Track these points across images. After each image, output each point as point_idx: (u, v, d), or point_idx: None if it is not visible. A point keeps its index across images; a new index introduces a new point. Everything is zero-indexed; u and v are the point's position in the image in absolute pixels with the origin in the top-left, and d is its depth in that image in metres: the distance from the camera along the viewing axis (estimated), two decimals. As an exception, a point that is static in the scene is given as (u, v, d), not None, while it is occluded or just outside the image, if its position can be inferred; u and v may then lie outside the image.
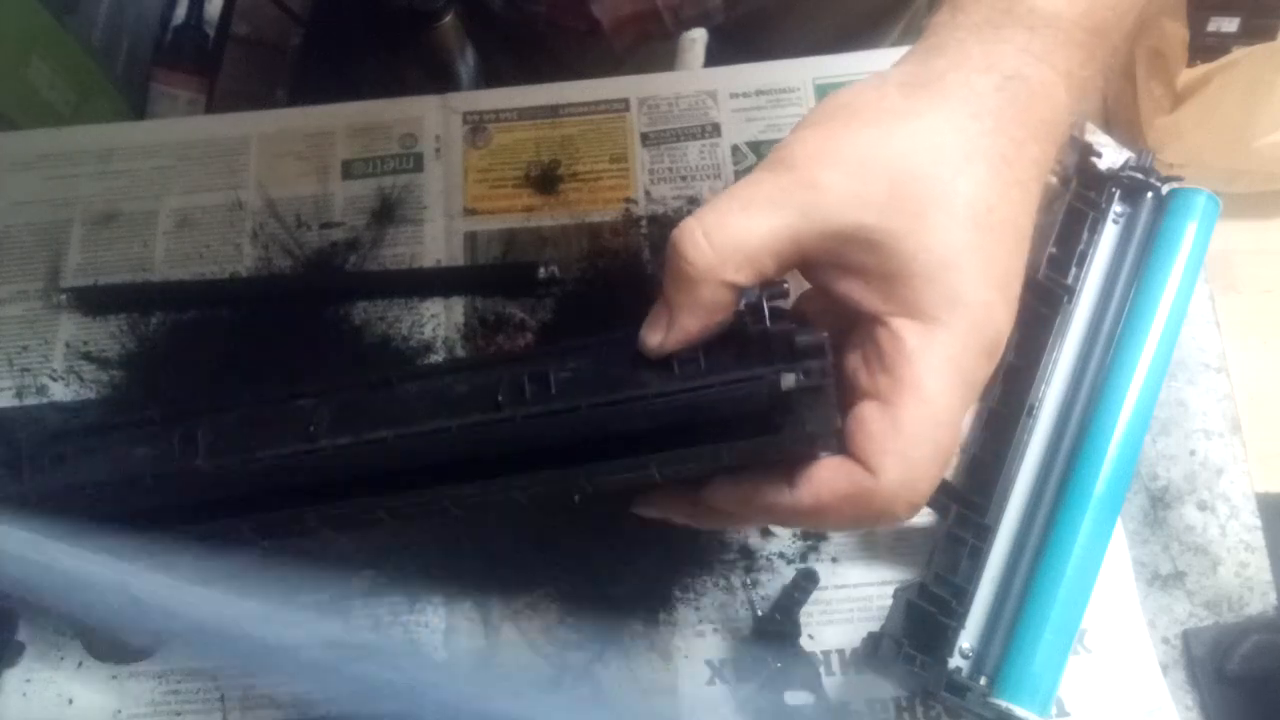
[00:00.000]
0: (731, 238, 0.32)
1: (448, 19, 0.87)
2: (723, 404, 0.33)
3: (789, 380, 0.32)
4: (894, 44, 0.87)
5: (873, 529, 0.33)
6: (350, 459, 0.34)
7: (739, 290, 0.34)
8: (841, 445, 0.33)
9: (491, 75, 0.94)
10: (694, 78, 0.73)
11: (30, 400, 0.63)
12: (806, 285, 0.37)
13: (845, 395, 0.34)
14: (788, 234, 0.32)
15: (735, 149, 0.70)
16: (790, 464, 0.34)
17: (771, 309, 0.34)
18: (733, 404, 0.33)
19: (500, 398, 0.34)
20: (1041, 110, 0.34)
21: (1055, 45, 0.35)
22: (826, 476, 0.33)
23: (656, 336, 0.34)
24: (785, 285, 0.35)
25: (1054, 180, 0.49)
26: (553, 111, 0.72)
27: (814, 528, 0.35)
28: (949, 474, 0.59)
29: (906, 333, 0.32)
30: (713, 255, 0.32)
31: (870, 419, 0.32)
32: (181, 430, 0.35)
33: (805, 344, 0.33)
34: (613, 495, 0.37)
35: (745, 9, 0.79)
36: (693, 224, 0.33)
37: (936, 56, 0.35)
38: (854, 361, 0.34)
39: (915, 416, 0.32)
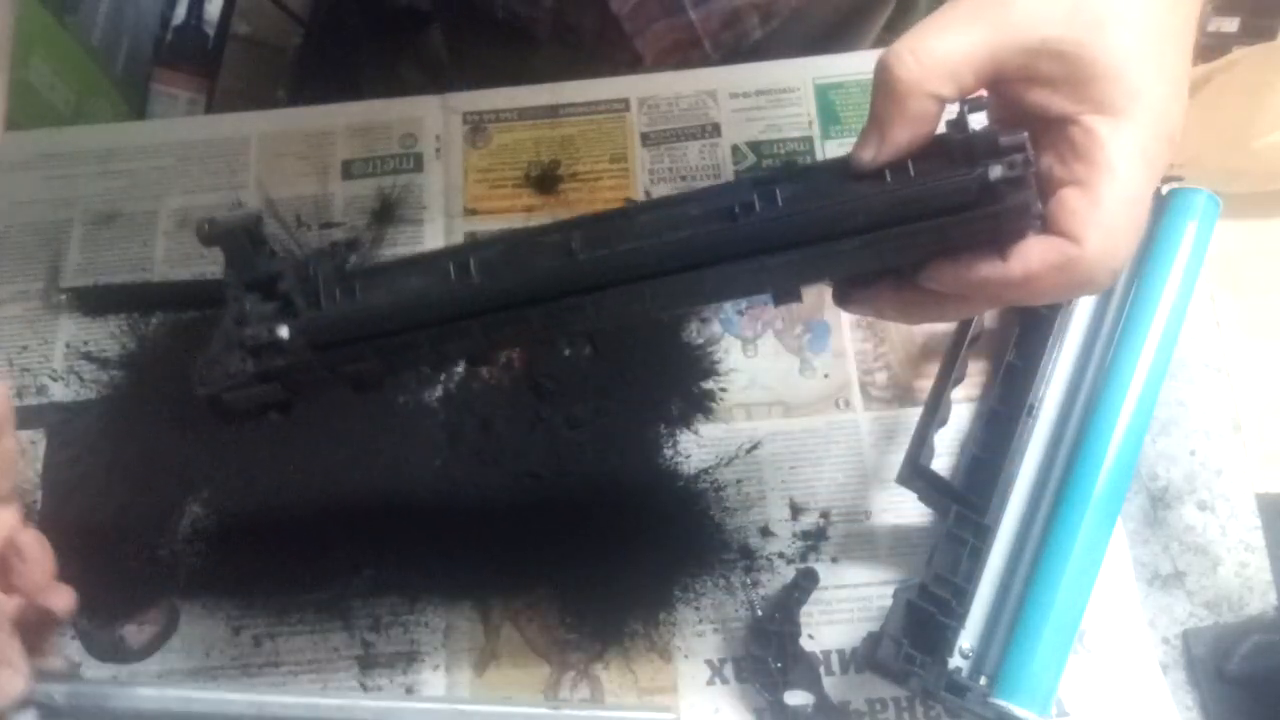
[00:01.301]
0: (934, 53, 0.37)
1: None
2: (936, 198, 0.37)
3: (996, 171, 0.36)
4: (875, 44, 0.87)
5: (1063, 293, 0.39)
6: (607, 269, 0.39)
7: (942, 103, 0.37)
8: (1044, 230, 0.37)
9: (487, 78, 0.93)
10: (694, 78, 0.73)
11: (30, 400, 0.63)
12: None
13: (1042, 191, 0.38)
14: (984, 48, 0.37)
15: (735, 149, 0.70)
16: (1001, 245, 0.37)
17: (972, 119, 0.38)
18: (945, 197, 0.37)
19: (735, 210, 0.38)
20: None
21: None
22: (1036, 249, 0.37)
23: (869, 151, 0.38)
24: (984, 97, 0.38)
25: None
26: (553, 111, 0.72)
27: (1020, 301, 0.41)
28: (947, 474, 0.59)
29: (1098, 126, 0.36)
30: (919, 70, 0.36)
31: (1071, 199, 0.37)
32: (454, 260, 0.40)
33: (1007, 142, 0.36)
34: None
35: (777, 26, 0.79)
36: (899, 45, 0.37)
37: None
38: (1047, 161, 0.38)
39: (1112, 193, 0.36)
